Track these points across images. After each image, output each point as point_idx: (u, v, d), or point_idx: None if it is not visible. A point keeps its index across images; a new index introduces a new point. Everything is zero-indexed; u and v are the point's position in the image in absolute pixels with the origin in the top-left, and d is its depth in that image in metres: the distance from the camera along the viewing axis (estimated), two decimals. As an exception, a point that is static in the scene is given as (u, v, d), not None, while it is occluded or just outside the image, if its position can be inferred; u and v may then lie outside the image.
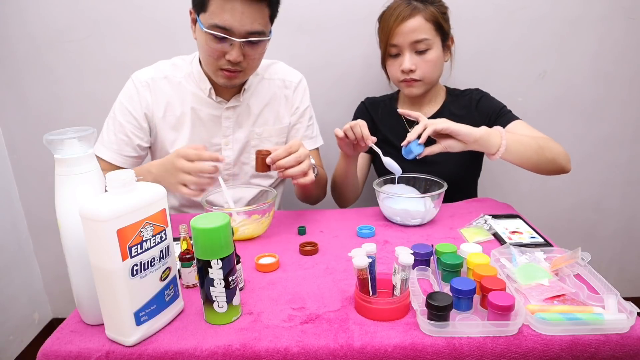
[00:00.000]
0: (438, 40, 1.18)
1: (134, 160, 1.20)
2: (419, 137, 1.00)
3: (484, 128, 1.01)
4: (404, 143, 1.03)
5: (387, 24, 1.18)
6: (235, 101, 1.18)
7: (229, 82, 1.11)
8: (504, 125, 1.20)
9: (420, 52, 1.17)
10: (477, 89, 1.30)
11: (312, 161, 1.11)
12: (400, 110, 1.10)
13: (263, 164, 0.98)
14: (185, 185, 0.96)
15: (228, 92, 1.18)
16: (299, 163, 0.97)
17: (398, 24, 1.15)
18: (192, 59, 1.20)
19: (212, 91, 1.16)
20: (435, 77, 1.23)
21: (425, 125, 1.00)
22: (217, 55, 1.05)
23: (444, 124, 0.99)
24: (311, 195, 1.27)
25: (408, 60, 1.18)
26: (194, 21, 1.06)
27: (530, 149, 1.04)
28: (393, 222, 1.06)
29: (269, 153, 0.97)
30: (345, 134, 1.06)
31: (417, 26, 1.15)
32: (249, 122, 1.21)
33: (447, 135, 1.00)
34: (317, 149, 1.33)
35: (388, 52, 1.21)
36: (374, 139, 1.07)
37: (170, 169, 0.97)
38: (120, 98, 1.18)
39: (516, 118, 1.22)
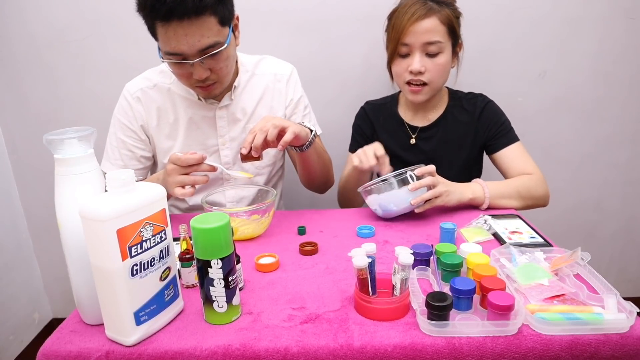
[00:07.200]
0: (449, 45, 1.16)
1: (141, 171, 1.23)
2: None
3: (469, 194, 1.08)
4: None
5: (400, 22, 1.14)
6: (227, 100, 1.18)
7: (208, 95, 1.13)
8: (501, 147, 1.22)
9: (431, 55, 1.15)
10: (481, 95, 1.28)
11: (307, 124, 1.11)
12: (411, 186, 1.01)
13: (250, 157, 1.01)
14: (182, 187, 1.01)
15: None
16: (255, 133, 0.99)
17: (412, 22, 1.12)
18: None
19: None
20: (441, 83, 1.21)
21: (432, 193, 1.02)
22: (185, 76, 1.05)
23: (441, 200, 1.05)
24: (314, 176, 1.25)
25: (418, 61, 1.15)
26: None
27: (511, 200, 1.12)
28: (392, 220, 1.06)
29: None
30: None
31: (431, 27, 1.12)
32: (243, 119, 1.21)
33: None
34: (318, 136, 1.31)
35: (397, 51, 1.17)
36: (390, 168, 1.07)
37: (167, 176, 1.03)
38: (116, 114, 1.20)
39: (515, 139, 1.22)
